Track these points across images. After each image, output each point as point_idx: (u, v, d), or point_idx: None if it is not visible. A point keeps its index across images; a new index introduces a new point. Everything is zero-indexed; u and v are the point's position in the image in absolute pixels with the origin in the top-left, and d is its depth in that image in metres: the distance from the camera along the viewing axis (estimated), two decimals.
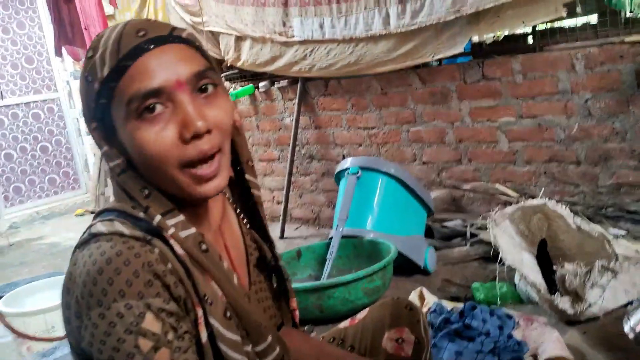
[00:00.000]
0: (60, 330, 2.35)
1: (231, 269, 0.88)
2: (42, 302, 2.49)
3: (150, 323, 0.71)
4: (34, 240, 4.84)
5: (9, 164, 5.42)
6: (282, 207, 3.75)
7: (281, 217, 3.73)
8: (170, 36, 0.78)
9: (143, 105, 0.75)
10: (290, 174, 3.74)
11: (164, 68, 0.76)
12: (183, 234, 0.79)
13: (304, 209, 3.98)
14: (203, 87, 0.78)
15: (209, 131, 0.77)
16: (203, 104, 0.78)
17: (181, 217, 0.80)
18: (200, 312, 0.78)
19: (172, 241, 0.78)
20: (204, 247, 0.81)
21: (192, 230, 0.80)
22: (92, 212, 5.42)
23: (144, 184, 0.79)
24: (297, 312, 1.03)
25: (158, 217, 0.78)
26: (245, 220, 0.98)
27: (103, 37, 0.79)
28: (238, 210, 0.98)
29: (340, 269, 2.56)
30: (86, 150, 5.79)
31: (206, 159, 0.78)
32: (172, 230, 0.78)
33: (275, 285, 0.99)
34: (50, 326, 2.37)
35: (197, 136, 0.76)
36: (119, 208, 0.80)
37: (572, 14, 2.52)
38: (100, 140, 0.81)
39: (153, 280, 0.73)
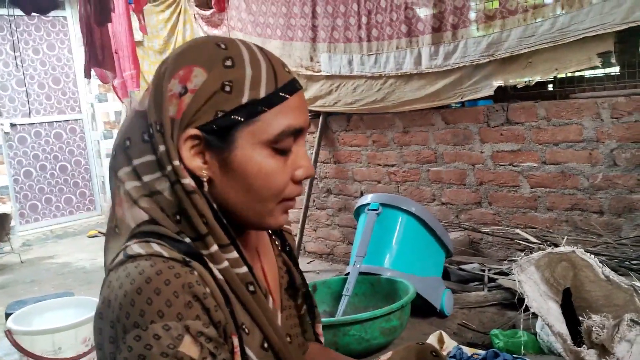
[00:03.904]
0: (67, 352, 2.32)
1: (275, 306, 0.86)
2: (50, 321, 2.46)
3: (188, 347, 0.68)
4: (45, 259, 4.84)
5: (28, 182, 5.47)
6: (296, 240, 3.72)
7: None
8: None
9: (287, 141, 0.78)
10: (306, 207, 3.72)
11: (305, 110, 0.81)
12: (234, 271, 0.77)
13: (319, 243, 3.95)
14: None
15: None
16: None
17: (235, 255, 0.78)
18: (236, 340, 0.75)
19: (211, 265, 0.76)
20: (251, 288, 0.79)
21: (244, 269, 0.78)
22: (105, 234, 5.41)
23: (202, 212, 0.75)
24: (322, 338, 1.02)
25: (215, 248, 0.76)
26: (277, 242, 0.97)
27: (239, 51, 0.77)
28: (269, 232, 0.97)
29: (355, 306, 2.51)
30: (104, 172, 5.84)
31: None
32: (224, 264, 0.76)
33: (304, 309, 0.97)
34: (57, 347, 2.33)
35: None
36: (155, 230, 0.76)
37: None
38: (187, 151, 0.76)
39: (193, 302, 0.70)
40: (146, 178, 0.77)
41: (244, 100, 0.75)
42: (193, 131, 0.75)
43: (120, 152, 0.80)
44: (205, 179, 0.77)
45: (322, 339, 1.02)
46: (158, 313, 0.68)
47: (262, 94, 0.76)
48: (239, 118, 0.75)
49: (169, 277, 0.70)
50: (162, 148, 0.75)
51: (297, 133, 0.79)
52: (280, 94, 0.77)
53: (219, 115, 0.75)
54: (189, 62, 0.76)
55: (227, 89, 0.75)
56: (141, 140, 0.78)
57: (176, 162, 0.75)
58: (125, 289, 0.69)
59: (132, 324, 0.68)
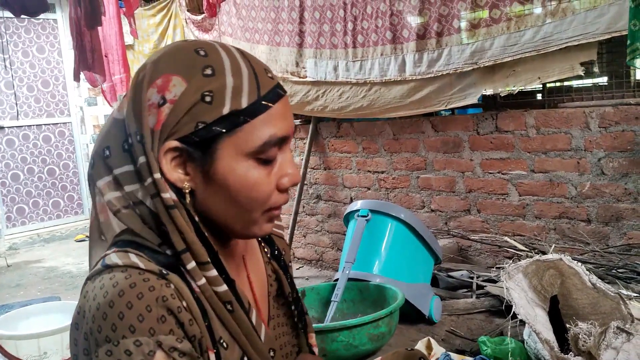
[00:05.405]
0: (53, 357, 2.29)
1: (260, 320, 0.84)
2: (36, 326, 2.44)
3: None
4: (32, 263, 4.79)
5: (15, 185, 5.42)
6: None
7: None
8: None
9: (272, 150, 0.76)
10: (296, 213, 3.72)
11: (289, 116, 0.78)
12: (213, 289, 0.76)
13: (308, 249, 3.94)
14: None
15: None
16: None
17: (214, 273, 0.76)
18: (213, 356, 0.74)
19: (189, 278, 0.74)
20: (229, 307, 0.77)
21: (223, 287, 0.76)
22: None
23: (181, 228, 0.73)
24: (316, 349, 0.99)
25: (192, 264, 0.74)
26: (266, 250, 0.95)
27: (220, 58, 0.74)
28: (259, 239, 0.96)
29: (344, 312, 2.51)
30: None
31: None
32: (202, 282, 0.75)
33: (295, 318, 0.96)
34: (42, 352, 2.31)
35: None
36: (135, 240, 0.75)
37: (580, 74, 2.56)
38: (168, 163, 0.74)
39: (166, 316, 0.69)
40: (128, 188, 0.75)
41: (225, 110, 0.72)
42: (173, 143, 0.73)
43: (99, 161, 0.78)
44: (187, 191, 0.76)
45: (316, 350, 0.99)
46: (130, 328, 0.66)
47: (244, 103, 0.73)
48: (221, 129, 0.73)
49: (142, 291, 0.68)
50: (141, 160, 0.73)
51: (281, 141, 0.77)
52: (263, 102, 0.74)
53: (200, 127, 0.72)
54: (167, 70, 0.74)
55: (208, 99, 0.72)
56: (121, 149, 0.75)
57: (157, 175, 0.73)
58: (99, 301, 0.68)
59: (104, 338, 0.67)
